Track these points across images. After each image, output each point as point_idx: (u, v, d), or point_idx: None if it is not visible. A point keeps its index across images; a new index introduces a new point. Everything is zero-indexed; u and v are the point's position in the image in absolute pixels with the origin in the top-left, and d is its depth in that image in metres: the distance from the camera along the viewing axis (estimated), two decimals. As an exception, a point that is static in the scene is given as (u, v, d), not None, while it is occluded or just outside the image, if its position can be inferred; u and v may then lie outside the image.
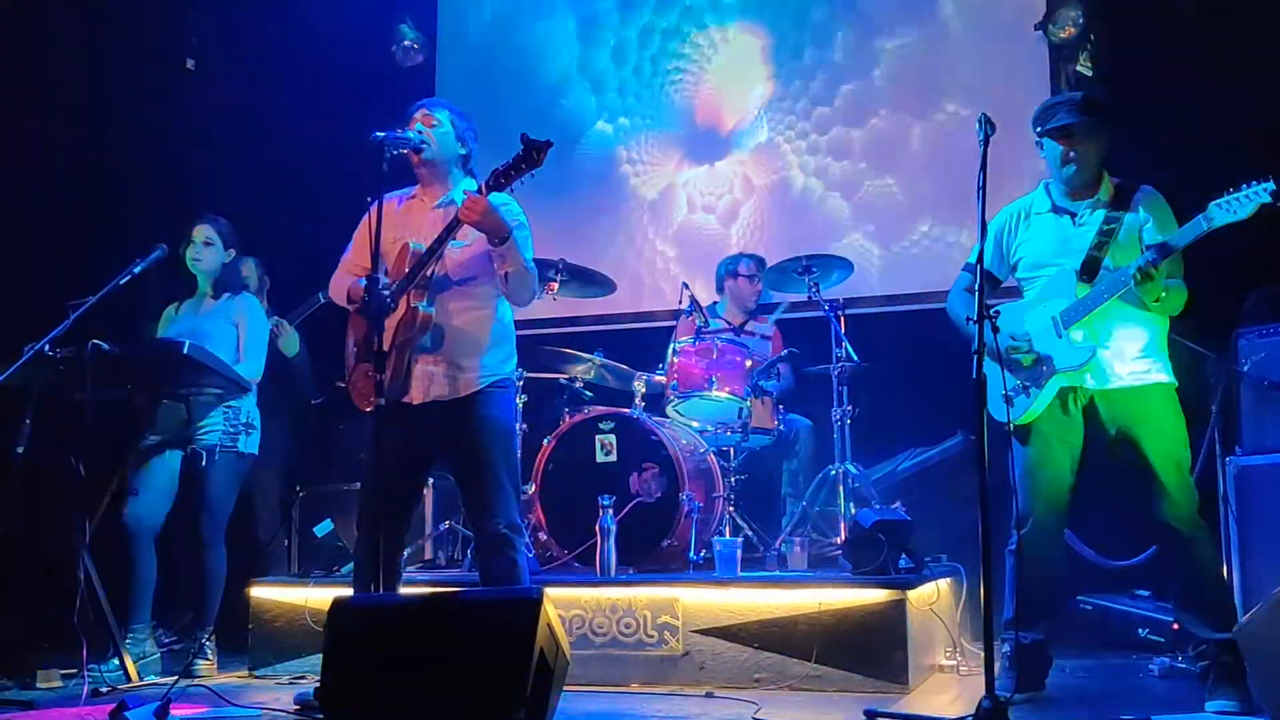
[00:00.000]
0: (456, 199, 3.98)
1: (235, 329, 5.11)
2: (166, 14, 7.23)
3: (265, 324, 5.27)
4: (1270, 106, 5.41)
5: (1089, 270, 3.91)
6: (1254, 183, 3.59)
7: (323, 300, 5.72)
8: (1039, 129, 4.01)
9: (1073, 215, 4.01)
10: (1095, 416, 3.96)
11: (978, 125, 3.44)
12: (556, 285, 5.63)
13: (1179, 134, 5.56)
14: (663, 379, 5.51)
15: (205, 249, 5.16)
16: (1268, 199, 3.58)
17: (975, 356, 3.27)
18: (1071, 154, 3.97)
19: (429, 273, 3.85)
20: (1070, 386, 3.95)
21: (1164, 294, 3.80)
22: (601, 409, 5.43)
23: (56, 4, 6.70)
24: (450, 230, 3.82)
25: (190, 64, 7.32)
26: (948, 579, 4.99)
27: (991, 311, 3.40)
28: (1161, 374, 3.95)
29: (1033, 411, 3.97)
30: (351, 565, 4.53)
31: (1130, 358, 3.93)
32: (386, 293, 3.72)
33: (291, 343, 5.85)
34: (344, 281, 4.11)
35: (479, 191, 3.75)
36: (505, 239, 3.78)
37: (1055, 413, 3.98)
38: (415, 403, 3.89)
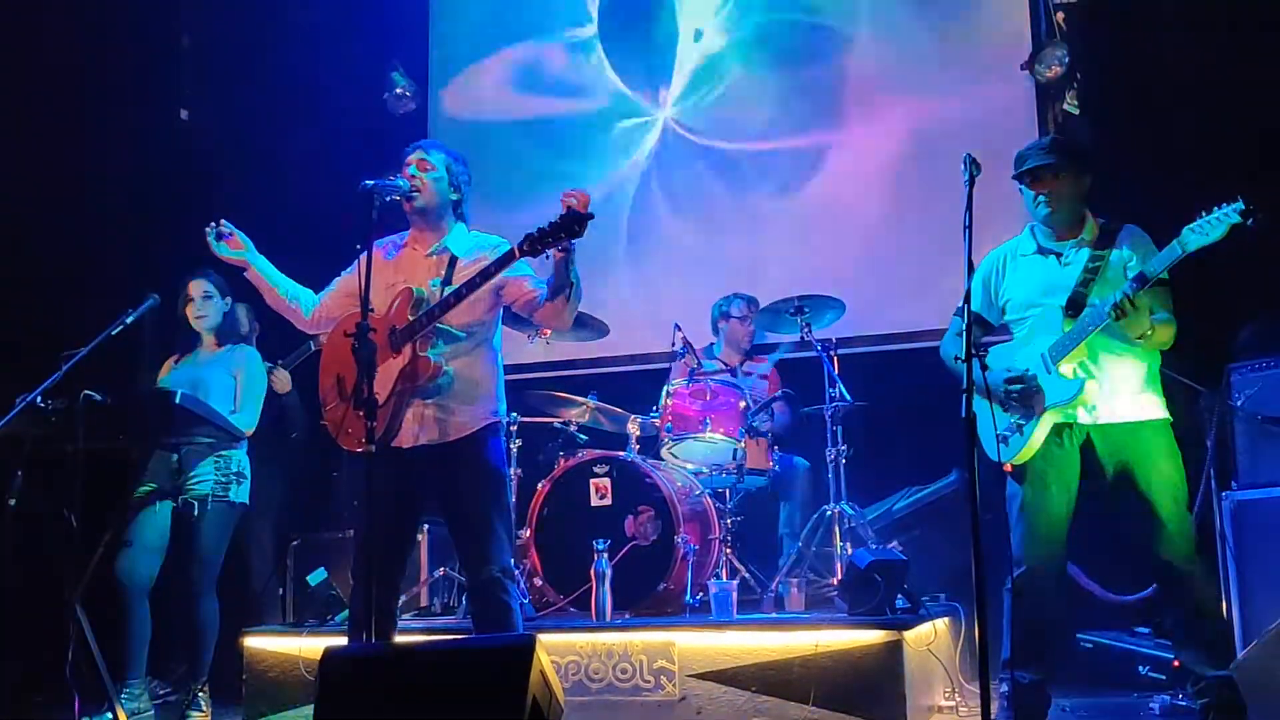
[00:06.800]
0: (451, 246, 3.99)
1: (234, 379, 5.11)
2: (161, 64, 7.29)
3: (264, 376, 5.27)
4: (1258, 139, 5.45)
5: (1074, 306, 3.93)
6: (1224, 204, 3.62)
7: (314, 349, 5.72)
8: (1014, 174, 4.07)
9: (1058, 256, 4.04)
10: (1092, 453, 3.96)
11: (963, 166, 3.46)
12: (550, 330, 5.64)
13: (1167, 170, 5.59)
14: (657, 421, 5.51)
15: (206, 303, 5.18)
16: (1237, 219, 3.60)
17: (964, 394, 3.27)
18: (1041, 196, 4.03)
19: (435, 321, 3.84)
20: (1065, 423, 3.95)
21: (1150, 331, 3.81)
22: (596, 452, 5.41)
23: (52, 55, 6.75)
24: (485, 276, 3.77)
25: (184, 114, 7.37)
26: (945, 618, 4.96)
27: (980, 350, 3.40)
28: (1157, 410, 3.96)
29: (1028, 450, 3.96)
30: (346, 614, 4.50)
31: (1126, 394, 3.93)
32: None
33: (283, 382, 5.85)
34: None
35: (513, 255, 3.70)
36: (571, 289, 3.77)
37: (1051, 450, 3.97)
38: (404, 447, 3.87)
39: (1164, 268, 3.75)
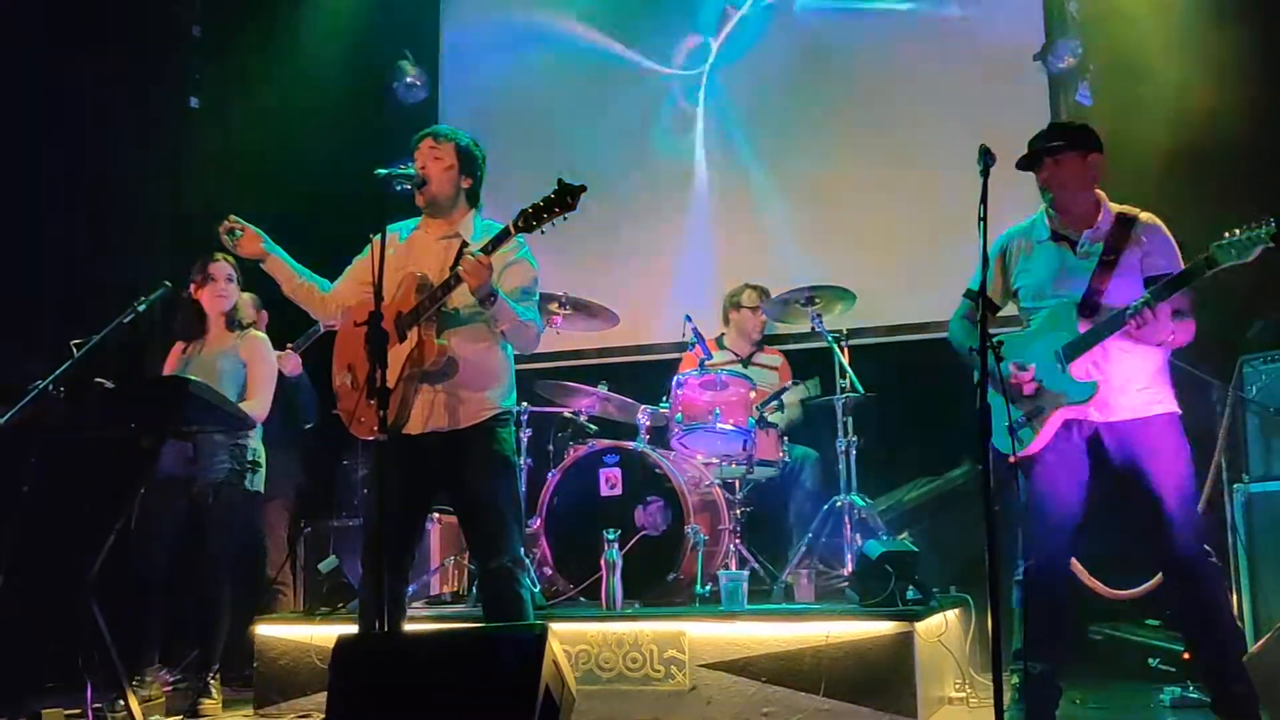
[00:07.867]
0: (463, 233, 3.97)
1: (245, 366, 5.11)
2: (171, 53, 7.29)
3: (274, 363, 5.27)
4: (1273, 131, 5.44)
5: (1089, 305, 3.89)
6: (1256, 225, 3.57)
7: (321, 330, 5.72)
8: (1017, 165, 4.02)
9: (1073, 244, 3.99)
10: (1101, 448, 3.94)
11: (978, 157, 3.44)
12: (560, 319, 5.66)
13: (1180, 163, 5.56)
14: (667, 411, 5.51)
15: (229, 285, 5.18)
16: (1269, 242, 3.55)
17: (979, 387, 3.25)
18: (1045, 181, 3.98)
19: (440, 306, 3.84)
20: (1074, 419, 3.93)
21: (1171, 336, 3.79)
22: (606, 442, 5.42)
23: (63, 42, 6.75)
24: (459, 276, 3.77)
25: (194, 103, 7.37)
26: (956, 610, 4.96)
27: (995, 341, 3.38)
28: (1166, 404, 3.93)
29: (1038, 443, 3.95)
30: (357, 602, 4.50)
31: (1134, 389, 3.90)
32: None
33: (292, 364, 5.85)
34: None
35: (508, 232, 3.70)
36: (491, 300, 3.74)
37: (1060, 445, 3.95)
38: (413, 433, 3.87)
39: (1190, 283, 3.71)
